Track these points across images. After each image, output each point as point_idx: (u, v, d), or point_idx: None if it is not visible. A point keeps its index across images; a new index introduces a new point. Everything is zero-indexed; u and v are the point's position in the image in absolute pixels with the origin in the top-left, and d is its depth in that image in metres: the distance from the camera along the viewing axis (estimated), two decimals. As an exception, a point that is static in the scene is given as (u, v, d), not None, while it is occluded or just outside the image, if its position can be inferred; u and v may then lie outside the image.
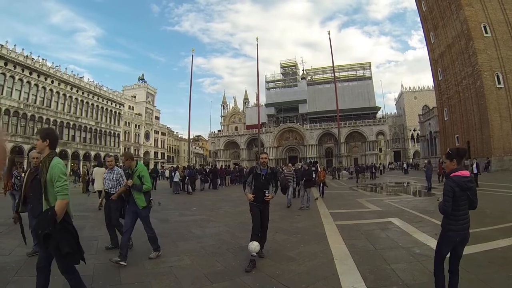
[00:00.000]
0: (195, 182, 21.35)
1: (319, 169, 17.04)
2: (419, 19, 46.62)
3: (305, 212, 10.71)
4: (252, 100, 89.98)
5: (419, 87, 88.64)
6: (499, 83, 30.98)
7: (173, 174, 21.27)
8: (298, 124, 78.64)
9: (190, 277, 4.57)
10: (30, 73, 46.22)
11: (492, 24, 31.72)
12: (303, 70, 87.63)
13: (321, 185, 15.46)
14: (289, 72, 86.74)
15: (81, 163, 50.38)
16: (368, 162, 60.59)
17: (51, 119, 50.22)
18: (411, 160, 74.43)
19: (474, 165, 17.06)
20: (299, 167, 15.02)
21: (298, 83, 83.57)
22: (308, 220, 9.23)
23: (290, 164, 14.30)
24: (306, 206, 11.43)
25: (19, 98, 44.48)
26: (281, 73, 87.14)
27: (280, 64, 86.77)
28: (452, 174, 3.38)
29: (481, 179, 18.11)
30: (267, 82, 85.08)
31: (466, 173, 3.36)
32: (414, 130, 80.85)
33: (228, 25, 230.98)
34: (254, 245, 5.03)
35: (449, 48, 37.62)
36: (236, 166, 39.38)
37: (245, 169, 28.84)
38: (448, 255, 3.47)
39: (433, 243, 5.87)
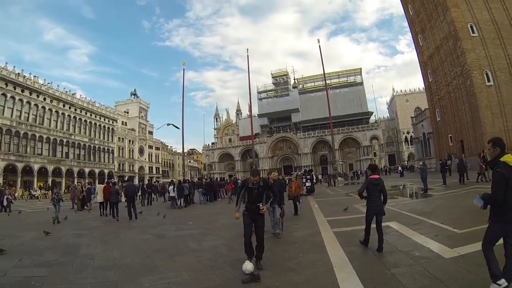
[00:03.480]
0: (188, 196, 21.14)
1: (313, 178, 15.98)
2: (405, 24, 47.47)
3: (302, 221, 10.62)
4: (245, 112, 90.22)
5: (410, 90, 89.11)
6: (488, 81, 31.22)
7: (169, 188, 21.18)
8: (291, 133, 78.84)
9: (188, 292, 4.49)
10: (22, 91, 46.06)
11: (479, 23, 32.08)
12: (294, 79, 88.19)
13: (295, 201, 12.33)
14: (281, 81, 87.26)
15: (76, 180, 50.00)
16: (363, 168, 60.85)
17: (44, 136, 50.03)
18: (406, 162, 74.62)
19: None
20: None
21: (290, 92, 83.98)
22: (306, 229, 9.20)
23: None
24: (276, 232, 8.34)
25: (12, 116, 44.31)
26: (272, 83, 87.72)
27: (271, 74, 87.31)
28: (369, 177, 6.44)
29: (475, 177, 18.23)
30: (259, 92, 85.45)
31: (376, 176, 6.37)
32: (408, 133, 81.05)
33: (218, 39, 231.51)
34: (249, 267, 5.03)
35: (438, 49, 37.99)
36: (232, 178, 39.09)
37: (238, 181, 28.64)
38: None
39: (432, 245, 5.91)
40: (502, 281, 3.52)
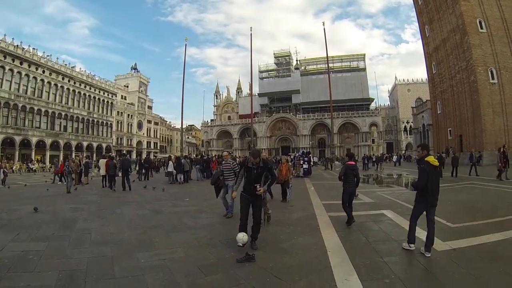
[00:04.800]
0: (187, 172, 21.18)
1: (311, 160, 15.29)
2: (412, 13, 47.44)
3: (298, 203, 10.65)
4: (245, 90, 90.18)
5: (412, 79, 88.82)
6: (492, 78, 31.17)
7: (168, 163, 21.38)
8: (291, 114, 78.93)
9: (183, 269, 4.57)
10: (21, 63, 45.59)
11: (488, 19, 31.80)
12: (296, 61, 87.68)
13: (285, 186, 11.29)
14: (283, 62, 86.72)
15: (74, 154, 50.02)
16: (361, 154, 60.91)
17: (43, 109, 49.79)
18: (404, 151, 74.76)
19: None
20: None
21: (292, 73, 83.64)
22: (301, 211, 9.25)
23: (226, 153, 10.02)
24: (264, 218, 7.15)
25: (10, 89, 43.97)
26: (274, 63, 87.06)
27: (274, 54, 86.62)
28: (347, 163, 7.52)
29: (472, 172, 18.46)
30: (261, 72, 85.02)
31: (352, 163, 7.48)
32: (407, 122, 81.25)
33: (221, 16, 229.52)
34: (240, 236, 5.26)
35: (444, 42, 37.70)
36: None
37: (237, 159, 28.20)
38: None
39: (424, 236, 5.94)
40: (412, 246, 5.19)
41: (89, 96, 61.03)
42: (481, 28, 31.88)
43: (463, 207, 9.27)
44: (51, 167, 41.67)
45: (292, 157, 25.86)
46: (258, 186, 5.54)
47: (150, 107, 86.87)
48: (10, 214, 9.14)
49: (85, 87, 59.84)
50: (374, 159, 36.70)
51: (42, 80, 49.86)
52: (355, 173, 7.31)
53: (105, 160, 18.59)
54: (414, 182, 5.58)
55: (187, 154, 39.79)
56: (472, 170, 19.01)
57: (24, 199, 12.76)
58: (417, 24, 46.65)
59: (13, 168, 36.92)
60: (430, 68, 43.47)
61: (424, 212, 5.24)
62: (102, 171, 18.16)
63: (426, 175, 5.04)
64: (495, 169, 16.69)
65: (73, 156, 38.22)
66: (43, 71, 49.98)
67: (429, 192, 5.08)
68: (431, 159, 5.12)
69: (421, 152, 5.53)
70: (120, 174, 16.91)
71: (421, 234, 6.19)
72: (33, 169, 40.11)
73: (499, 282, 3.91)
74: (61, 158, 46.49)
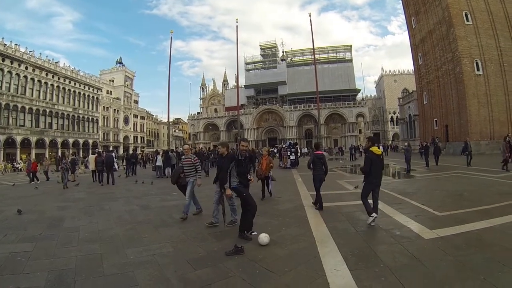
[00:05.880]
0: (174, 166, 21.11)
1: (298, 151, 15.17)
2: (399, 5, 47.59)
3: (286, 194, 10.71)
4: (232, 82, 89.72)
5: (399, 70, 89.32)
6: (478, 70, 31.56)
7: (156, 158, 21.85)
8: (277, 106, 79.13)
9: (173, 264, 4.56)
10: (3, 60, 44.48)
11: (474, 12, 32.12)
12: (283, 52, 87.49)
13: (265, 180, 10.26)
14: (269, 53, 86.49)
15: (59, 151, 49.27)
16: (348, 144, 61.40)
17: (27, 107, 48.76)
18: (390, 142, 75.50)
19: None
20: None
21: (278, 64, 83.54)
22: (289, 202, 9.30)
23: (187, 146, 8.80)
24: (231, 221, 6.79)
25: (-8, 87, 42.70)
26: (260, 54, 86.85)
27: (260, 45, 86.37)
28: (315, 152, 8.32)
29: (458, 162, 18.64)
30: (247, 63, 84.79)
31: (320, 152, 8.29)
32: (394, 113, 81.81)
33: (207, 8, 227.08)
34: (265, 240, 5.26)
35: (430, 33, 37.97)
36: (216, 148, 37.56)
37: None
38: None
39: (412, 225, 6.05)
40: (373, 214, 6.18)
41: (74, 91, 59.93)
42: (467, 20, 32.20)
43: (449, 196, 9.38)
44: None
45: (279, 148, 25.92)
46: (249, 176, 5.93)
47: (136, 102, 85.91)
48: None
49: (69, 82, 58.74)
50: (361, 150, 37.23)
51: (25, 76, 48.67)
52: (322, 161, 8.02)
53: (94, 156, 19.73)
54: (361, 167, 6.79)
55: (173, 148, 39.41)
56: (469, 160, 18.28)
57: (10, 199, 12.53)
58: (403, 16, 46.96)
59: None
60: (416, 59, 43.78)
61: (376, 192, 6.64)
62: (92, 167, 19.21)
63: (370, 161, 6.32)
64: (481, 159, 16.73)
65: (59, 154, 37.57)
66: (26, 68, 48.79)
67: (372, 175, 6.37)
68: (374, 149, 6.43)
69: (367, 143, 6.90)
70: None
71: (408, 222, 6.30)
72: (19, 168, 39.36)
73: (485, 269, 3.97)
74: (46, 155, 46.00)
